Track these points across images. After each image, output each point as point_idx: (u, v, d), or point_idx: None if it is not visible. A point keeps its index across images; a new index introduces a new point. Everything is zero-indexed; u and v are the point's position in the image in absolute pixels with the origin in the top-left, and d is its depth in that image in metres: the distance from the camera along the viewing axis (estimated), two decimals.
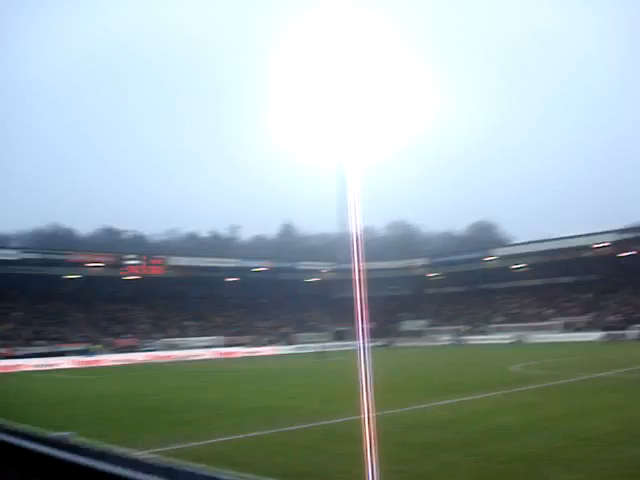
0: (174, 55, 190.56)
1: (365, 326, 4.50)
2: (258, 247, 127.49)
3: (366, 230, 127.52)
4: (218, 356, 71.82)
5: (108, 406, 27.04)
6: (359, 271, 4.50)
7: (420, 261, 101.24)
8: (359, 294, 4.51)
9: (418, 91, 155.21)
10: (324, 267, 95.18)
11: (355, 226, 4.53)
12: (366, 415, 4.48)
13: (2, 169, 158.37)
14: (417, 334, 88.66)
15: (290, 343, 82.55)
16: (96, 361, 64.78)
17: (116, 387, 37.97)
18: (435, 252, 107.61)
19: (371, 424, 4.54)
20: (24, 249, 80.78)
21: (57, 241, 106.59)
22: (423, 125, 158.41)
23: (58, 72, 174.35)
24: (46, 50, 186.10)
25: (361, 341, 4.43)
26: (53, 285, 77.09)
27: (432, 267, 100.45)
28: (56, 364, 60.83)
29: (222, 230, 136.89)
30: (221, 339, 79.30)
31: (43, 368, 58.75)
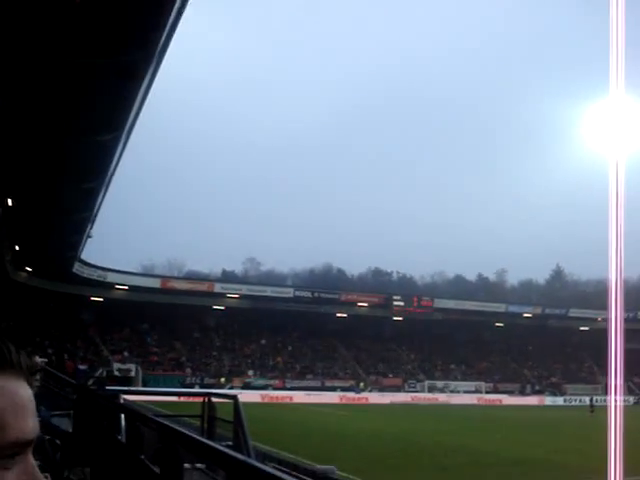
0: (433, 88, 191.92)
1: (619, 381, 4.16)
2: (526, 292, 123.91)
3: None
4: (482, 402, 70.43)
5: (370, 444, 27.49)
6: (617, 321, 4.18)
7: None
8: (615, 346, 4.18)
9: None
10: (598, 315, 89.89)
11: (616, 271, 4.23)
12: (613, 478, 4.13)
13: (279, 213, 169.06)
14: None
15: (558, 393, 78.92)
16: (362, 398, 66.34)
17: (379, 426, 38.53)
18: None
19: None
20: (298, 287, 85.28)
21: (329, 281, 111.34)
22: None
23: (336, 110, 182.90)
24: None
25: (613, 398, 4.09)
26: (323, 322, 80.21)
27: None
28: (324, 398, 63.11)
29: (489, 273, 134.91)
30: (485, 385, 77.73)
31: (311, 401, 61.17)
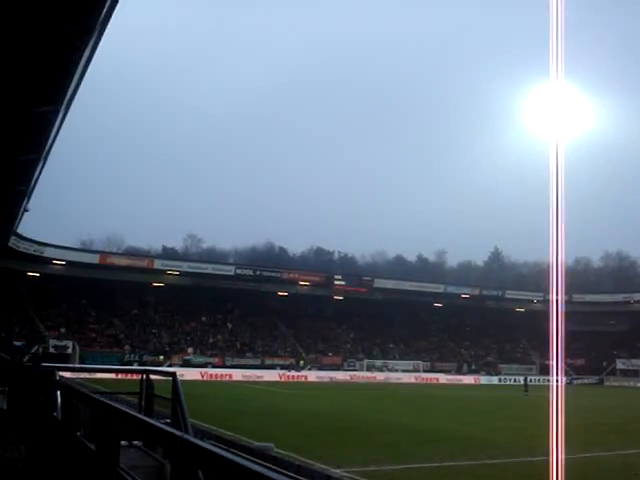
0: (378, 71, 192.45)
1: (561, 363, 4.23)
2: (465, 273, 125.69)
3: (579, 261, 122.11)
4: (419, 381, 71.50)
5: (308, 422, 27.65)
6: (558, 303, 4.24)
7: (638, 296, 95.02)
8: (557, 328, 4.23)
9: None
10: (534, 297, 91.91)
11: (556, 255, 4.28)
12: (555, 456, 4.21)
13: (221, 189, 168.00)
14: (633, 373, 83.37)
15: (494, 373, 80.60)
16: (301, 376, 66.69)
17: (318, 404, 38.76)
18: None
19: (560, 466, 4.26)
20: (239, 265, 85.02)
21: (270, 259, 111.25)
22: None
23: (267, 87, 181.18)
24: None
25: (555, 378, 4.16)
26: (264, 300, 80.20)
27: None
28: (263, 376, 63.32)
29: (429, 254, 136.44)
30: (423, 364, 78.87)
31: (251, 379, 61.32)
